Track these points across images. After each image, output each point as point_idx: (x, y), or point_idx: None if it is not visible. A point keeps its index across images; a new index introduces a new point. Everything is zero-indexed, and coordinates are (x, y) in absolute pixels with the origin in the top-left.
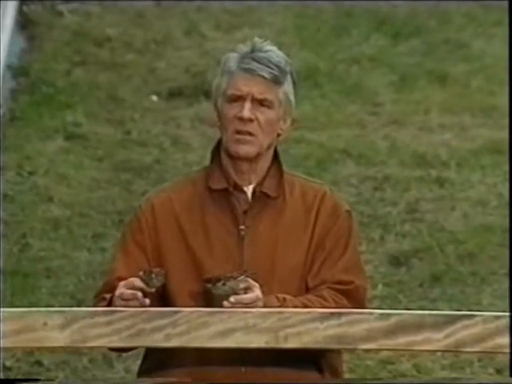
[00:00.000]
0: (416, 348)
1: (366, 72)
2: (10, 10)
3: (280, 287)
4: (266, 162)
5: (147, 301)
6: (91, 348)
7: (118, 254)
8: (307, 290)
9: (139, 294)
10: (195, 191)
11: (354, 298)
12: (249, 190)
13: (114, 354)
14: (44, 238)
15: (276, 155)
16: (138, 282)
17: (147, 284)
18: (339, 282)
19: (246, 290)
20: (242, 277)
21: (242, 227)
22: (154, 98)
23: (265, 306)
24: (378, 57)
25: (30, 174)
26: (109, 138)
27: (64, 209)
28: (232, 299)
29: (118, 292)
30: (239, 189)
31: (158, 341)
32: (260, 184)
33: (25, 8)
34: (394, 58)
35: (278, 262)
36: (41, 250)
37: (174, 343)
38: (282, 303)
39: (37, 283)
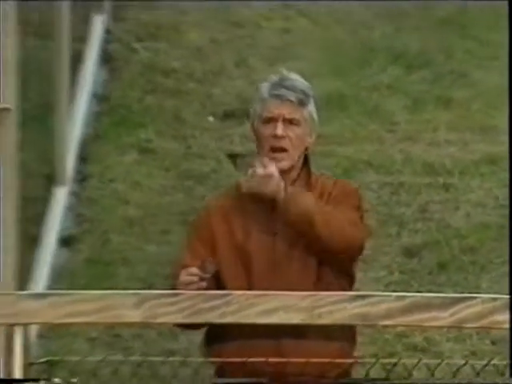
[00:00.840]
0: (426, 324)
1: (384, 97)
2: (95, 48)
3: (301, 264)
4: (297, 169)
5: (204, 284)
6: (160, 324)
7: (184, 248)
8: None
9: (195, 278)
10: (240, 196)
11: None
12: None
13: (179, 329)
14: (121, 234)
15: (306, 162)
16: (195, 269)
17: (203, 271)
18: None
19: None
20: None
21: (277, 219)
22: (211, 118)
23: (291, 195)
24: (394, 85)
25: (110, 181)
26: (174, 152)
27: (138, 210)
28: (250, 171)
29: (180, 278)
30: None
31: (215, 318)
32: (291, 185)
33: (107, 46)
34: (407, 86)
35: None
36: (119, 243)
37: (227, 320)
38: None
39: (115, 271)
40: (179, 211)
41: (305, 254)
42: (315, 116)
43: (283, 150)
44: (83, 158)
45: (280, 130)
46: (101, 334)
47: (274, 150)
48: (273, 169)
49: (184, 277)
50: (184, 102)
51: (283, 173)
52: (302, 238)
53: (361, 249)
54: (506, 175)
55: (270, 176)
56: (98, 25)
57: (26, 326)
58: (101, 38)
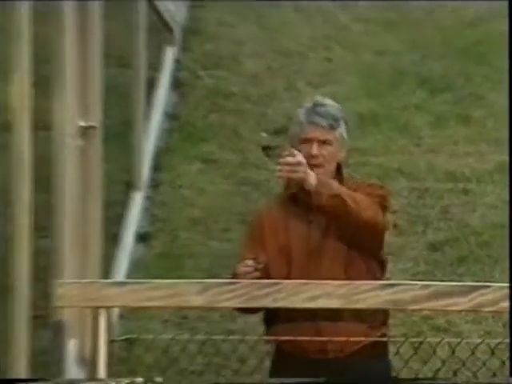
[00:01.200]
0: (448, 309)
1: (411, 115)
2: (166, 75)
3: (333, 251)
4: (331, 178)
5: (257, 274)
6: (221, 307)
7: (243, 245)
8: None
9: (249, 269)
10: (283, 196)
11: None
12: None
13: (237, 312)
14: (188, 232)
15: (339, 171)
16: (250, 261)
17: (256, 263)
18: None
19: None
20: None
21: (314, 220)
22: (264, 134)
23: (319, 180)
24: (420, 105)
25: (179, 187)
26: (233, 162)
27: (202, 211)
28: (280, 160)
29: (238, 269)
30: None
31: (268, 303)
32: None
33: (177, 73)
34: (431, 106)
35: (333, 241)
36: (185, 239)
37: (279, 305)
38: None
39: (182, 263)
40: (237, 212)
41: (337, 240)
42: (345, 135)
43: (318, 166)
44: (156, 168)
45: (315, 149)
46: (171, 316)
47: (311, 166)
48: (300, 157)
49: (241, 268)
50: (241, 120)
51: None
52: (335, 220)
53: (383, 231)
54: None
55: (298, 163)
56: (169, 55)
57: (108, 309)
58: (171, 66)
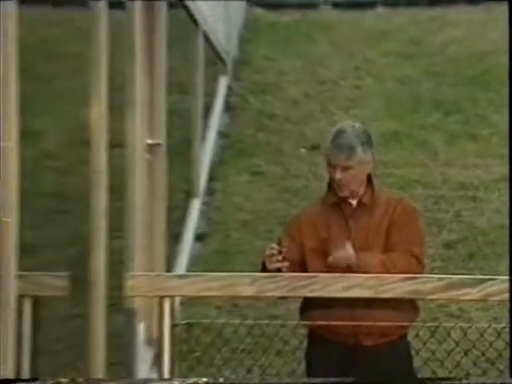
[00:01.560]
0: (460, 298)
1: (428, 134)
2: (220, 99)
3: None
4: (362, 188)
5: (286, 264)
6: (268, 297)
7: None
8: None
9: (274, 251)
10: (322, 205)
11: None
12: (354, 202)
13: (280, 300)
14: (239, 232)
15: (370, 181)
16: (274, 245)
17: (280, 248)
18: (405, 250)
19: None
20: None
21: (351, 223)
22: (303, 150)
23: (359, 259)
24: (436, 125)
25: (231, 194)
26: (276, 173)
27: (250, 215)
28: (330, 258)
29: (265, 253)
30: (347, 201)
31: (306, 293)
32: (360, 199)
33: (229, 98)
34: (445, 126)
35: (371, 239)
36: (236, 238)
37: (316, 294)
38: (370, 257)
39: (234, 258)
40: (280, 216)
41: (374, 241)
42: (366, 157)
43: (344, 185)
44: (211, 178)
45: (338, 174)
46: (224, 304)
47: (337, 186)
48: (349, 250)
49: (267, 251)
50: (283, 138)
51: (352, 193)
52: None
53: (421, 271)
54: None
55: (348, 258)
56: (223, 83)
57: (172, 297)
58: (224, 92)
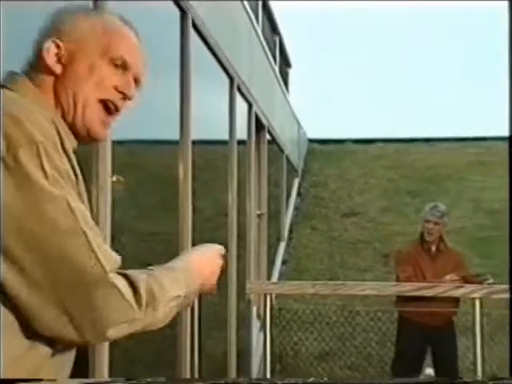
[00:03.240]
0: None
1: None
2: (294, 191)
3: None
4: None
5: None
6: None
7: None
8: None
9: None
10: (418, 244)
11: None
12: (433, 247)
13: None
14: (304, 260)
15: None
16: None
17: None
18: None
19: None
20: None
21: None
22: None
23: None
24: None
25: (300, 240)
26: (323, 229)
27: (311, 250)
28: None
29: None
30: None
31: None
32: (437, 245)
33: (299, 189)
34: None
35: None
36: (303, 264)
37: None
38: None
39: (302, 275)
40: (326, 251)
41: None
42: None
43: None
44: (290, 231)
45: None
46: (298, 298)
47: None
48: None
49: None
50: (328, 210)
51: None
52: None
53: None
54: None
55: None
56: (296, 181)
57: (270, 294)
58: (297, 186)
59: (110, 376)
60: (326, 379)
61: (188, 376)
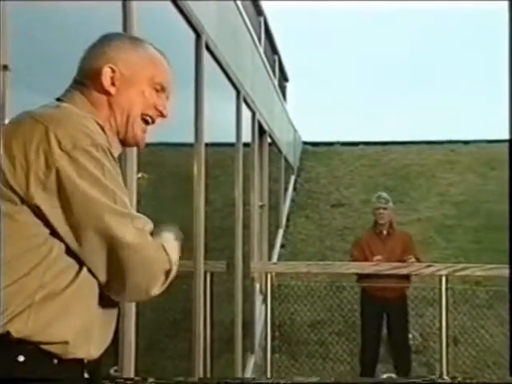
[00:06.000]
0: None
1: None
2: (291, 186)
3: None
4: (388, 222)
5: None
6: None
7: (351, 251)
8: None
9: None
10: (369, 232)
11: None
12: (384, 231)
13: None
14: (300, 244)
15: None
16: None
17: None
18: None
19: None
20: None
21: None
22: (328, 207)
23: None
24: None
25: (296, 227)
26: (316, 218)
27: (305, 236)
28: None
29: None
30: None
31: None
32: (388, 229)
33: (295, 185)
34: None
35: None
36: (299, 247)
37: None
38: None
39: (298, 257)
40: (318, 237)
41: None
42: (389, 205)
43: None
44: (287, 219)
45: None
46: (294, 276)
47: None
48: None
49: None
50: (319, 201)
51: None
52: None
53: None
54: None
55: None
56: (292, 178)
57: (271, 273)
58: (293, 182)
59: (136, 340)
60: (330, 379)
61: (201, 340)
